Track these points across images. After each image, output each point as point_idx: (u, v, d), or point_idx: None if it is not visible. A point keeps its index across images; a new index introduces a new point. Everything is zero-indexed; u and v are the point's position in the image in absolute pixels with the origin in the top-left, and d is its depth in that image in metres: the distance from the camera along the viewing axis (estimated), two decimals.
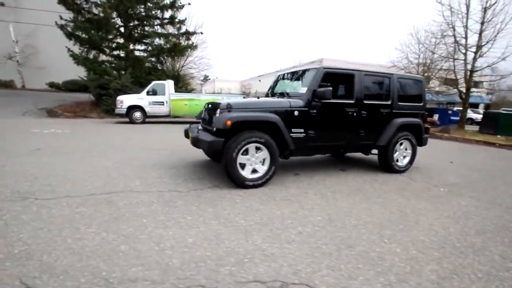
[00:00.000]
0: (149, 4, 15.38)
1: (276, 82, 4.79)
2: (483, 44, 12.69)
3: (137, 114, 10.79)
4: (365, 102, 3.91)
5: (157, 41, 16.25)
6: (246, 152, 3.16)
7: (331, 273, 1.71)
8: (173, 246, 1.92)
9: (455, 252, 2.04)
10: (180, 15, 16.70)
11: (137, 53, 15.94)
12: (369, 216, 2.62)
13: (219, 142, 3.01)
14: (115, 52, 15.59)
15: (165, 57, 17.04)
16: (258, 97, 4.85)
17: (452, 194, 3.43)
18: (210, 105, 3.71)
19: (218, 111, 3.25)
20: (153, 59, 16.50)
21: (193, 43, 17.51)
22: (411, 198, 3.21)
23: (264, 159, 3.28)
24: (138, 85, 14.68)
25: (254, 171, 3.27)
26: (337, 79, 3.66)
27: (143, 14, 15.47)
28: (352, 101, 3.82)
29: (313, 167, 4.48)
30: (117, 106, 10.72)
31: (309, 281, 1.61)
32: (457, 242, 2.19)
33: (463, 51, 13.20)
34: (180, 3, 16.34)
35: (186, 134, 3.97)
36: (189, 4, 16.54)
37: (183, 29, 16.97)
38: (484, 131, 13.23)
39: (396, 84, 4.19)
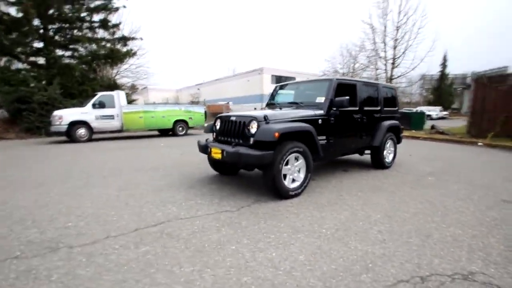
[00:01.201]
0: (77, 5, 13.44)
1: (274, 93, 4.94)
2: (397, 57, 15.68)
3: (82, 131, 9.25)
4: (365, 108, 4.43)
5: (89, 46, 14.29)
6: (286, 163, 3.19)
7: (442, 260, 1.94)
8: (294, 267, 1.85)
9: (494, 222, 2.56)
10: (114, 19, 15.15)
11: (66, 60, 13.66)
12: (410, 208, 3.00)
13: (269, 155, 2.96)
14: (35, 59, 13.00)
15: (99, 65, 15.08)
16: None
17: (441, 181, 4.19)
18: (233, 118, 3.57)
19: (254, 123, 3.19)
20: (84, 66, 14.38)
21: (131, 49, 16.05)
22: (418, 188, 3.79)
23: (299, 168, 3.37)
24: (68, 97, 12.65)
25: (293, 180, 3.32)
26: (344, 89, 4.05)
27: (70, 15, 13.41)
28: (357, 108, 4.27)
29: (319, 171, 4.77)
30: (53, 123, 8.97)
31: (436, 270, 1.81)
32: (486, 217, 2.74)
33: (384, 62, 15.99)
34: (114, 5, 14.85)
35: (204, 149, 3.71)
36: (124, 7, 15.17)
37: (118, 34, 15.42)
38: (405, 126, 16.23)
39: (382, 92, 4.88)
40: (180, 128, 11.74)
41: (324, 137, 3.76)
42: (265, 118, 3.19)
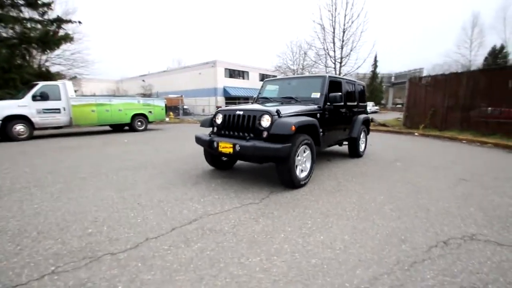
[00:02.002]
0: None
1: (263, 87, 5.06)
2: (343, 57, 17.24)
3: (20, 128, 7.79)
4: (348, 103, 4.91)
5: (16, 28, 11.91)
6: (297, 154, 3.39)
7: (449, 227, 2.41)
8: (346, 246, 2.07)
9: (465, 195, 3.22)
10: None
11: None
12: (401, 189, 3.53)
13: (288, 147, 3.10)
14: None
15: (29, 50, 12.71)
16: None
17: (407, 165, 4.96)
18: (240, 112, 3.56)
19: (267, 117, 3.28)
20: (9, 50, 11.93)
21: (69, 33, 13.93)
22: (395, 172, 4.43)
23: (306, 159, 3.60)
24: None
25: (301, 171, 3.54)
26: (332, 86, 4.40)
27: None
28: (342, 103, 4.71)
29: None
30: None
31: (450, 236, 2.25)
32: (457, 192, 3.42)
33: (333, 61, 17.40)
34: None
35: (209, 144, 3.62)
36: None
37: (51, 15, 13.22)
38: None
39: (357, 88, 5.45)
40: (139, 123, 10.85)
41: (321, 130, 4.07)
42: (278, 112, 3.32)
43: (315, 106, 4.04)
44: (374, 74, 45.38)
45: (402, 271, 1.76)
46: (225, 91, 28.21)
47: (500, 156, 6.16)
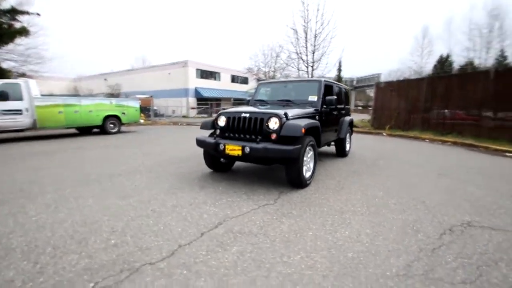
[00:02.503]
0: None
1: (258, 90, 5.14)
2: (315, 61, 18.03)
3: None
4: (338, 106, 5.20)
5: None
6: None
7: (448, 217, 2.72)
8: (372, 239, 2.24)
9: (448, 189, 3.64)
10: None
11: None
12: (393, 184, 3.86)
13: (298, 149, 3.20)
14: None
15: None
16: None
17: (389, 163, 5.40)
18: (246, 115, 3.59)
19: (276, 120, 3.36)
20: None
21: (25, 26, 12.56)
22: (382, 170, 4.81)
23: (309, 160, 3.76)
24: None
25: (305, 171, 3.68)
26: (326, 89, 4.63)
27: None
28: (334, 106, 4.97)
29: None
30: None
31: (452, 224, 2.55)
32: (441, 186, 3.84)
33: (306, 64, 18.08)
34: None
35: (214, 146, 3.57)
36: None
37: (4, 5, 11.81)
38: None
39: (342, 91, 5.79)
40: (112, 125, 10.18)
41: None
42: (286, 115, 3.42)
43: (313, 109, 4.22)
44: (339, 78, 47.98)
45: (427, 257, 1.97)
46: (197, 92, 27.59)
47: (462, 153, 6.99)
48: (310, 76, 18.44)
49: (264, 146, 3.22)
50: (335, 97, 4.37)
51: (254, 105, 4.88)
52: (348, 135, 6.06)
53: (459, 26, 60.71)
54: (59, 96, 10.69)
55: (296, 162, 3.30)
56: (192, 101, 27.81)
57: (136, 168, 4.57)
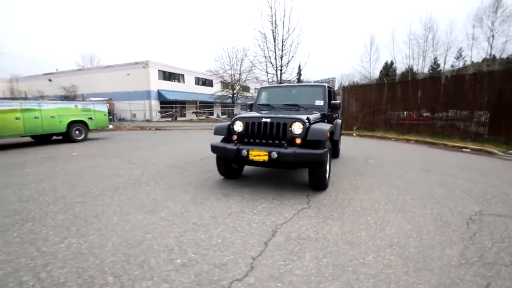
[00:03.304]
0: None
1: (261, 94, 5.16)
2: (283, 65, 18.66)
3: None
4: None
5: None
6: None
7: (462, 208, 3.10)
8: (417, 232, 2.45)
9: (440, 183, 4.12)
10: None
11: None
12: (398, 183, 4.23)
13: (326, 152, 3.32)
14: None
15: None
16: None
17: (379, 162, 5.88)
18: (268, 120, 3.59)
19: (299, 124, 3.44)
20: None
21: None
22: (379, 169, 5.22)
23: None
24: None
25: None
26: (328, 94, 4.87)
27: None
28: (339, 110, 5.25)
29: None
30: None
31: (468, 214, 2.92)
32: (433, 180, 4.33)
33: (274, 68, 18.58)
34: None
35: (237, 153, 3.49)
36: None
37: None
38: None
39: (334, 95, 6.12)
40: (77, 132, 9.14)
41: None
42: (308, 120, 3.52)
43: (320, 113, 4.40)
44: (299, 81, 50.11)
45: (472, 245, 2.24)
46: (160, 94, 26.16)
47: (428, 150, 7.93)
48: (279, 79, 19.00)
49: (293, 150, 3.27)
50: (339, 101, 4.62)
51: (259, 109, 4.89)
52: (339, 136, 6.43)
53: (401, 36, 68.78)
54: (12, 99, 9.23)
55: (322, 165, 3.42)
56: (155, 104, 26.37)
57: (138, 179, 4.22)
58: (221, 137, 4.01)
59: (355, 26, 72.61)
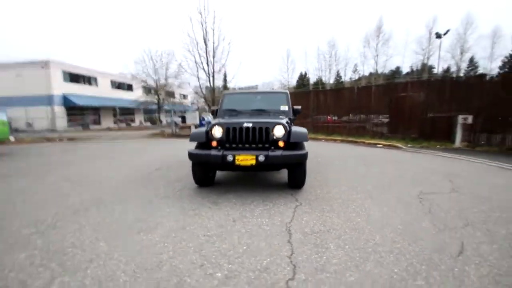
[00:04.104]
0: None
1: (226, 100, 5.12)
2: (215, 71, 18.64)
3: None
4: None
5: None
6: None
7: (436, 184, 3.90)
8: (432, 209, 2.99)
9: (396, 166, 5.04)
10: None
11: None
12: (356, 175, 4.93)
13: (307, 153, 3.59)
14: None
15: None
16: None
17: (330, 160, 6.65)
18: (249, 125, 3.62)
19: (281, 128, 3.62)
20: None
21: None
22: (332, 166, 5.92)
23: None
24: None
25: None
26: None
27: None
28: (299, 114, 5.65)
29: None
30: None
31: (447, 187, 3.71)
32: (390, 167, 5.25)
33: (207, 74, 18.35)
34: None
35: (222, 159, 3.40)
36: None
37: None
38: None
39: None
40: None
41: None
42: (288, 124, 3.75)
43: (287, 118, 4.72)
44: (225, 88, 50.75)
45: (434, 217, 2.88)
46: (66, 99, 21.92)
47: (354, 147, 9.40)
48: (211, 85, 18.91)
49: (281, 153, 3.43)
50: (300, 106, 5.07)
51: (225, 115, 4.85)
52: None
53: (311, 52, 78.93)
54: None
55: (304, 165, 3.70)
56: (60, 110, 22.05)
57: (96, 198, 3.56)
58: (194, 143, 3.86)
59: (274, 40, 79.22)
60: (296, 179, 3.82)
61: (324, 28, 71.02)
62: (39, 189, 4.10)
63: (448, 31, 24.32)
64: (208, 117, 16.25)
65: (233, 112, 4.87)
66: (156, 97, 26.22)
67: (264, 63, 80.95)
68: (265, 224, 2.67)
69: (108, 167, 5.84)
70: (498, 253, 2.11)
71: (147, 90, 27.38)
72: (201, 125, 19.83)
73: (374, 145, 9.87)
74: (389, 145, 9.50)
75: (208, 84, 18.88)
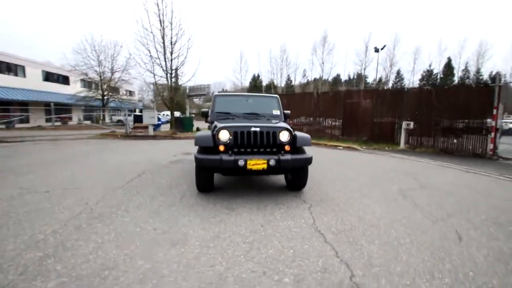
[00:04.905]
0: None
1: (217, 103, 5.03)
2: (173, 69, 17.71)
3: None
4: None
5: None
6: None
7: (385, 180, 4.48)
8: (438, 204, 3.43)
9: (355, 168, 5.64)
10: None
11: None
12: (341, 176, 5.38)
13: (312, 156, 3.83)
14: None
15: None
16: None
17: (324, 163, 7.04)
18: (257, 129, 3.67)
19: (286, 132, 3.75)
20: None
21: None
22: (319, 166, 6.31)
23: None
24: None
25: None
26: None
27: None
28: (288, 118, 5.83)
29: None
30: None
31: (406, 186, 4.29)
32: (346, 166, 5.83)
33: (164, 70, 17.30)
34: None
35: (234, 163, 3.37)
36: None
37: None
38: (179, 130, 19.03)
39: None
40: None
41: None
42: (292, 128, 3.93)
43: (281, 121, 4.90)
44: (176, 87, 48.44)
45: (422, 210, 3.40)
46: None
47: (320, 149, 10.11)
48: (169, 82, 17.97)
49: (291, 157, 3.58)
50: (289, 111, 5.30)
51: (218, 117, 4.77)
52: None
53: (264, 55, 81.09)
54: None
55: (307, 168, 3.93)
56: None
57: (91, 211, 3.16)
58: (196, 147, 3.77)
59: (225, 40, 78.70)
60: (300, 182, 4.03)
61: (276, 32, 74.17)
62: (7, 203, 3.39)
63: (384, 46, 28.01)
64: (160, 116, 15.45)
65: (227, 115, 4.83)
66: (100, 92, 23.60)
67: (214, 63, 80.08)
68: (293, 227, 2.79)
69: (76, 174, 5.12)
70: (485, 237, 2.66)
71: (87, 84, 24.47)
72: (157, 125, 18.66)
73: (335, 147, 10.79)
74: (348, 147, 10.51)
75: (166, 81, 17.86)
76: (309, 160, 3.74)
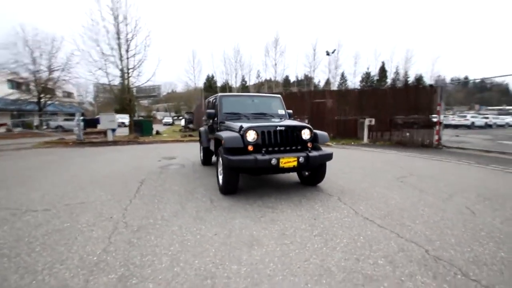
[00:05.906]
0: None
1: (224, 103, 4.94)
2: (130, 68, 16.31)
3: None
4: None
5: None
6: None
7: (387, 170, 5.05)
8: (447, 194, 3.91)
9: (352, 162, 6.17)
10: None
11: None
12: (349, 170, 5.79)
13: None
14: None
15: None
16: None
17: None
18: (282, 128, 3.77)
19: (307, 130, 3.94)
20: None
21: None
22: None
23: None
24: None
25: None
26: None
27: None
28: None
29: None
30: None
31: (408, 172, 4.87)
32: (346, 163, 6.34)
33: (120, 68, 15.81)
34: None
35: (267, 163, 3.42)
36: None
37: None
38: (138, 133, 17.73)
39: None
40: None
41: None
42: (312, 127, 4.14)
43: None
44: (128, 88, 44.56)
45: (425, 195, 3.96)
46: None
47: None
48: (128, 82, 16.59)
49: (318, 153, 3.78)
50: (291, 111, 5.50)
51: (228, 118, 4.71)
52: None
53: (218, 56, 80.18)
54: None
55: (325, 163, 4.17)
56: None
57: (117, 225, 2.85)
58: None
59: (175, 39, 75.34)
60: (321, 176, 4.26)
61: (230, 33, 73.91)
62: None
63: (334, 50, 30.48)
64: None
65: (237, 116, 4.80)
66: (36, 94, 20.40)
67: (164, 62, 76.15)
68: (345, 217, 3.00)
69: (63, 187, 4.43)
70: (489, 208, 3.27)
71: (17, 85, 20.96)
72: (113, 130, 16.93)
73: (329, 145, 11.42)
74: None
75: (122, 81, 16.38)
76: (331, 156, 4.00)
